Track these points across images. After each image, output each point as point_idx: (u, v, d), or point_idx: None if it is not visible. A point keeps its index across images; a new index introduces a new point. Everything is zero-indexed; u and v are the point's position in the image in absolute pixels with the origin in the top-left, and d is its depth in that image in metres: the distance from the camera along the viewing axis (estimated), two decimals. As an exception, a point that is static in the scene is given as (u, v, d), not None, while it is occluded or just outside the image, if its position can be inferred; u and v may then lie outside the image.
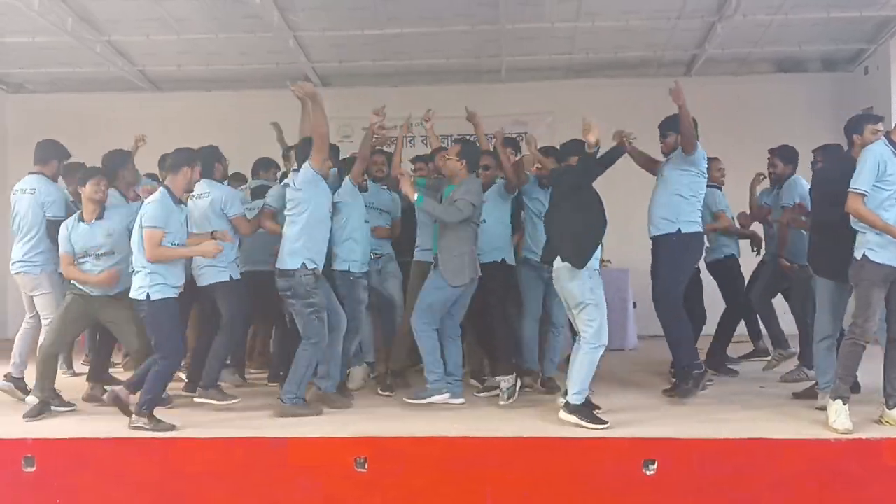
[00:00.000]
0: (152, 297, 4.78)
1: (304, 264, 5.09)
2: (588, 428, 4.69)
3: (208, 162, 5.56)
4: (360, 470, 4.49)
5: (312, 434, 4.73)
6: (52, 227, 5.48)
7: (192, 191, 5.19)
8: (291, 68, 8.83)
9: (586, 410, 4.80)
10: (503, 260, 5.69)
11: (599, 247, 4.94)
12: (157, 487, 4.56)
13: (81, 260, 5.15)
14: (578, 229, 4.89)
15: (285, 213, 5.25)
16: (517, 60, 8.76)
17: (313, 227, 5.16)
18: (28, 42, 7.96)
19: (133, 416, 4.77)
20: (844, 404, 4.56)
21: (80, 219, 5.19)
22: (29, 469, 4.55)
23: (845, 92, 8.97)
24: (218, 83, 9.29)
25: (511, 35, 8.07)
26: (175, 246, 4.88)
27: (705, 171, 5.50)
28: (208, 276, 5.45)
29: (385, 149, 6.27)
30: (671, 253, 5.45)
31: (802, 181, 6.05)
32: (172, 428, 4.75)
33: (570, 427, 4.75)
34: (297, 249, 5.11)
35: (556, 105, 8.92)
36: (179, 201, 5.01)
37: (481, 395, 5.69)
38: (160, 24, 7.79)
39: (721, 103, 8.79)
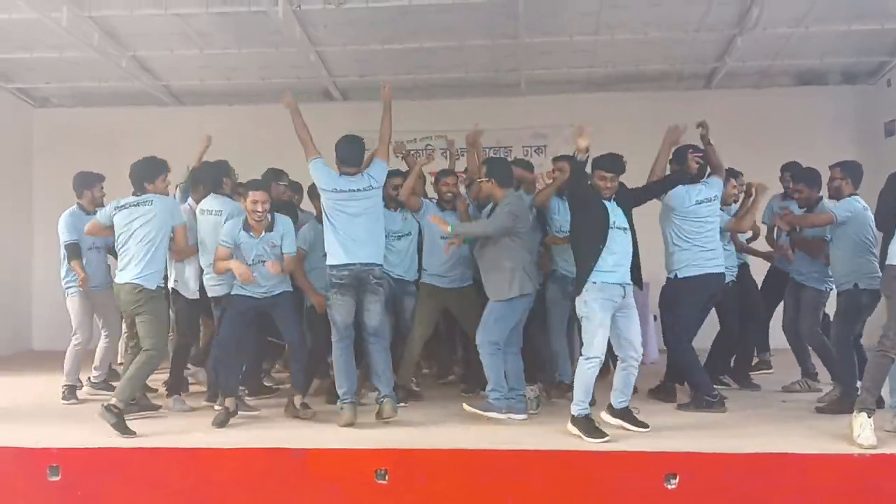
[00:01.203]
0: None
1: None
2: (586, 441, 4.71)
3: (217, 178, 5.85)
4: (380, 481, 4.50)
5: (333, 445, 4.75)
6: (67, 250, 6.19)
7: (263, 211, 5.30)
8: (312, 83, 8.92)
9: (585, 423, 4.81)
10: None
11: (617, 261, 4.92)
12: (180, 496, 4.60)
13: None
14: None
15: (361, 212, 5.28)
16: (536, 74, 8.78)
17: None
18: (55, 57, 8.10)
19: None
20: (869, 417, 4.51)
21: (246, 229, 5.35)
22: (54, 478, 4.59)
23: (867, 105, 8.91)
24: (239, 97, 9.38)
25: (530, 49, 8.10)
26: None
27: (684, 210, 5.47)
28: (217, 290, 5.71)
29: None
30: (670, 298, 5.64)
31: None
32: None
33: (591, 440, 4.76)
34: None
35: (575, 118, 8.87)
36: (249, 227, 5.32)
37: None
38: (183, 39, 7.90)
39: (741, 116, 8.76)
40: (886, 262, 4.69)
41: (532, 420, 5.31)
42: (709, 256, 5.53)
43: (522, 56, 8.28)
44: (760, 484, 4.38)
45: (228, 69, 8.71)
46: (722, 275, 5.71)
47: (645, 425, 4.99)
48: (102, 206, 6.25)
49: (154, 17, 7.31)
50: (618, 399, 5.02)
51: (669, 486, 4.39)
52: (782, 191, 6.74)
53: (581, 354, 4.93)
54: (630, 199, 5.19)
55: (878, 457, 4.39)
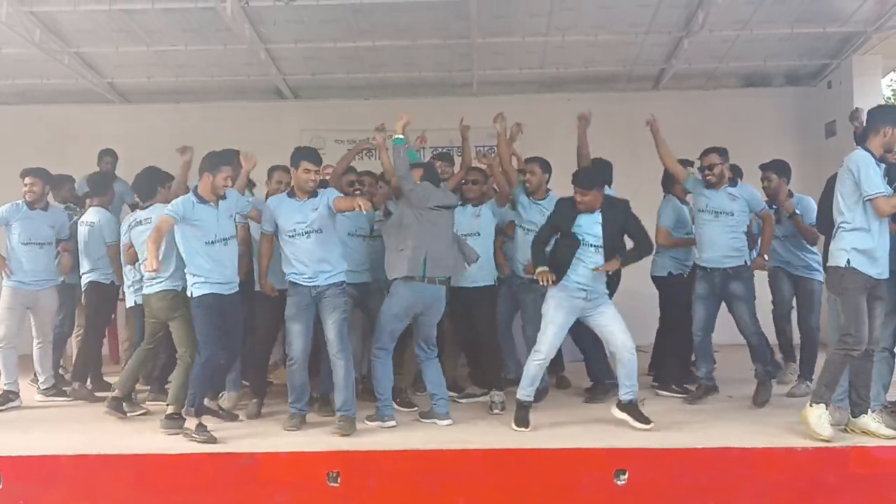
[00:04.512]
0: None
1: None
2: (514, 429, 4.98)
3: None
4: (332, 484, 4.48)
5: (284, 449, 4.71)
6: None
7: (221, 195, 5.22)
8: (263, 81, 8.81)
9: (518, 409, 5.07)
10: (493, 281, 5.87)
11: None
12: (126, 504, 4.51)
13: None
14: None
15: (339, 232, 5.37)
16: (489, 74, 8.80)
17: None
18: (-6, 53, 7.86)
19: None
20: (827, 409, 4.63)
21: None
22: (-6, 487, 4.48)
23: (809, 106, 9.13)
24: (188, 95, 9.21)
25: (483, 49, 8.11)
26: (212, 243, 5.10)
27: None
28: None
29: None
30: None
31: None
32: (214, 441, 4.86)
33: (541, 438, 4.81)
34: None
35: (526, 119, 8.96)
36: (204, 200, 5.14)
37: (462, 401, 5.85)
38: (129, 36, 7.72)
39: (688, 117, 8.86)
40: (829, 264, 4.77)
41: (482, 420, 5.33)
42: None
43: (475, 56, 8.30)
44: (708, 478, 4.48)
45: (177, 66, 8.54)
46: None
47: (648, 421, 4.95)
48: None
49: (98, 13, 7.14)
50: (622, 392, 5.06)
51: (619, 482, 4.45)
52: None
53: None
54: (622, 226, 5.17)
55: (821, 450, 4.51)
